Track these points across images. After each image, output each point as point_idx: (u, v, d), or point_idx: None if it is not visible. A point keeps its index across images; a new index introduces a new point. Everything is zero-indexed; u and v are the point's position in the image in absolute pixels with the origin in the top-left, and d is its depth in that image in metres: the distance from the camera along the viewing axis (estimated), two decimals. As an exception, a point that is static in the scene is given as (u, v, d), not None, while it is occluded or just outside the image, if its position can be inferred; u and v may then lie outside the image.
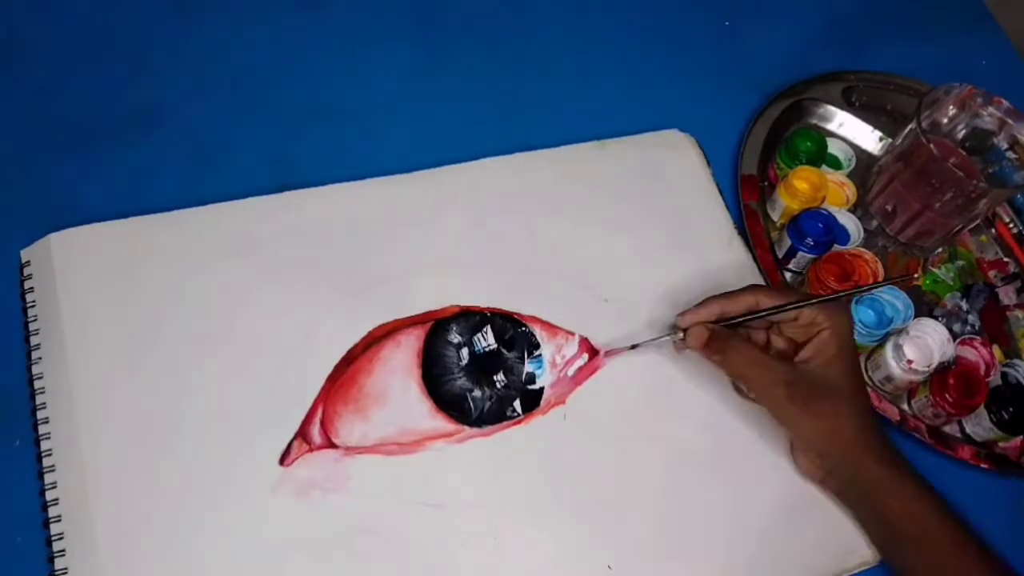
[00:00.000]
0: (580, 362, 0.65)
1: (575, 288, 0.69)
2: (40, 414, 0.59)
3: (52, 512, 0.56)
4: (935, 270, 0.76)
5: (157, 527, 0.56)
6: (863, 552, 0.62)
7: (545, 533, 0.59)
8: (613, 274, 0.70)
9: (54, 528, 0.55)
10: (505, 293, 0.67)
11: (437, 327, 0.65)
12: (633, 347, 0.65)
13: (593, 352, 0.66)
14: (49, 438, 0.58)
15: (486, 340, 0.65)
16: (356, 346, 0.63)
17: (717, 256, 0.73)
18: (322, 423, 0.60)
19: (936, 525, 0.58)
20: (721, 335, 0.61)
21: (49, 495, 0.56)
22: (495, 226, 0.71)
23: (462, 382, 0.63)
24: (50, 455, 0.57)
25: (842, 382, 0.60)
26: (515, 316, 0.66)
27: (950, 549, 0.58)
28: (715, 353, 0.61)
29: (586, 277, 0.69)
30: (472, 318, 0.66)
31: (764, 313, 0.61)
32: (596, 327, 0.67)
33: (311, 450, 0.59)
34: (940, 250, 0.77)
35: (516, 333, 0.66)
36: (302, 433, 0.60)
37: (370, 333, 0.64)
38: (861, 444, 0.59)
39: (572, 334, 0.66)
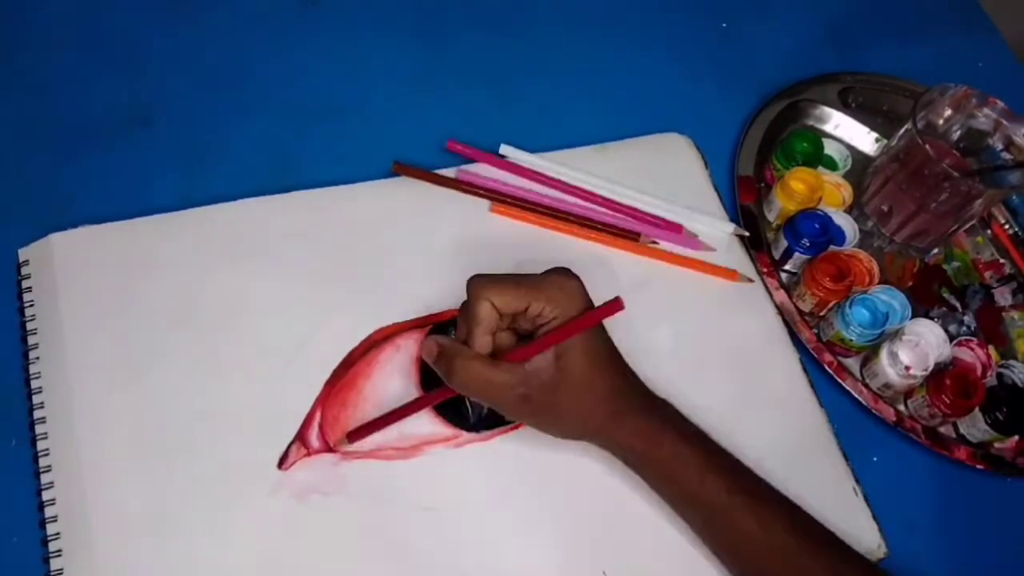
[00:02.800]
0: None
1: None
2: (37, 414, 0.59)
3: (48, 513, 0.56)
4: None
5: (154, 529, 0.56)
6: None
7: (542, 538, 0.59)
8: (613, 277, 0.70)
9: (50, 529, 0.55)
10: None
11: (436, 331, 0.65)
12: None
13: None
14: (46, 438, 0.58)
15: (485, 344, 0.65)
16: (355, 350, 0.63)
17: (716, 258, 0.73)
18: (320, 427, 0.60)
19: (697, 472, 0.56)
20: (448, 351, 0.56)
21: (45, 495, 0.56)
22: (495, 229, 0.71)
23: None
24: (47, 455, 0.57)
25: (576, 372, 0.55)
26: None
27: (714, 493, 0.56)
28: (443, 373, 0.56)
29: (586, 279, 0.69)
30: (470, 321, 0.65)
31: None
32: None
33: (309, 454, 0.59)
34: (936, 251, 0.77)
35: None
36: (300, 437, 0.60)
37: (369, 337, 0.64)
38: (612, 423, 0.57)
39: (572, 337, 0.66)
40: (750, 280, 0.72)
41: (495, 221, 0.71)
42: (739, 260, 0.73)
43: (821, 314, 0.72)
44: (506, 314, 0.56)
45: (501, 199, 0.72)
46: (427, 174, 0.72)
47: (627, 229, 0.72)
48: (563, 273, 0.57)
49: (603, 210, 0.73)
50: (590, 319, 0.55)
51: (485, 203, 0.72)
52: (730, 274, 0.72)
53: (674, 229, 0.73)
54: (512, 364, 0.55)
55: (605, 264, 0.71)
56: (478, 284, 0.56)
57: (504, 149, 0.74)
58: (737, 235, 0.74)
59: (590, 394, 0.56)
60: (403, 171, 0.71)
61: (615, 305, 0.55)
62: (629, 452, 0.58)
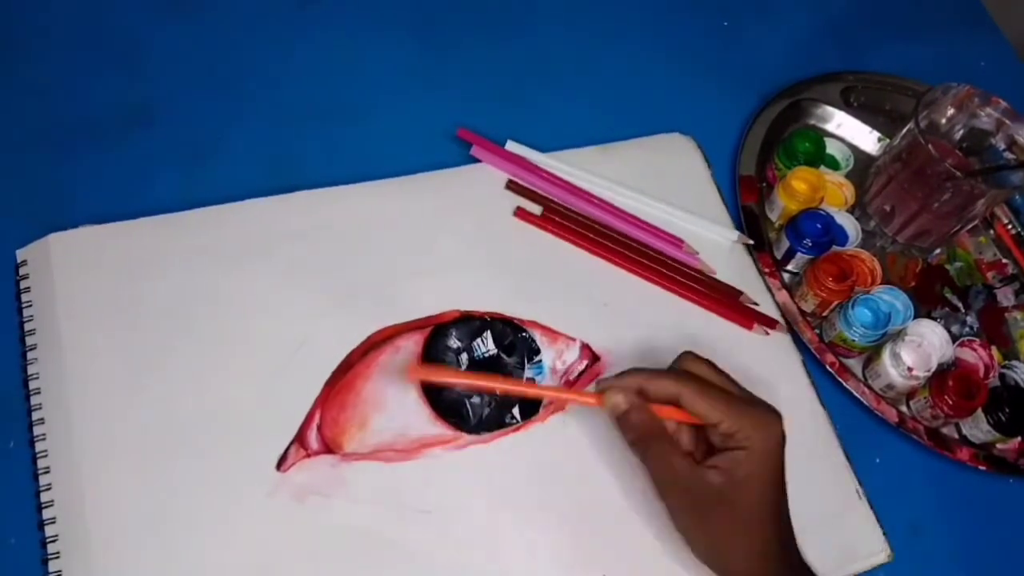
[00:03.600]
0: (581, 368, 0.65)
1: (576, 293, 0.68)
2: (35, 415, 0.58)
3: (47, 514, 0.55)
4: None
5: (152, 530, 0.55)
6: (863, 560, 0.62)
7: (542, 540, 0.59)
8: (614, 279, 0.70)
9: (49, 530, 0.55)
10: (505, 297, 0.67)
11: (437, 332, 0.64)
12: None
13: (594, 358, 0.65)
14: (44, 439, 0.57)
15: (485, 345, 0.65)
16: (355, 351, 0.63)
17: (719, 259, 0.72)
18: (320, 428, 0.60)
19: None
20: (643, 419, 0.55)
21: (44, 497, 0.56)
22: (496, 229, 0.70)
23: (460, 388, 0.63)
24: (45, 457, 0.57)
25: (746, 509, 0.53)
26: (515, 321, 0.66)
27: None
28: (631, 433, 0.55)
29: (587, 281, 0.69)
30: (472, 323, 0.65)
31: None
32: (597, 333, 0.67)
33: (308, 455, 0.59)
34: (939, 251, 0.77)
35: (516, 338, 0.65)
36: (300, 438, 0.59)
37: (369, 338, 0.63)
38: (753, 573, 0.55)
39: (573, 340, 0.66)
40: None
41: (496, 221, 0.71)
42: (741, 264, 0.73)
43: (823, 315, 0.71)
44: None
45: (549, 203, 0.72)
46: (496, 147, 0.73)
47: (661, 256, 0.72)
48: (772, 413, 0.55)
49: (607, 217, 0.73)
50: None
51: (486, 203, 0.71)
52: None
53: (674, 243, 0.73)
54: (691, 461, 0.54)
55: (605, 266, 0.70)
56: (684, 378, 0.55)
57: (510, 145, 0.74)
58: (742, 243, 0.73)
59: (746, 534, 0.54)
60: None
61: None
62: None
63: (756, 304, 0.71)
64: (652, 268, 0.71)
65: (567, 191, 0.73)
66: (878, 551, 0.62)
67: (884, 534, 0.63)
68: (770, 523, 0.54)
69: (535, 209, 0.72)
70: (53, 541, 0.55)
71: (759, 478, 0.54)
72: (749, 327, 0.70)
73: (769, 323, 0.70)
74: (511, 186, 0.72)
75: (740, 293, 0.71)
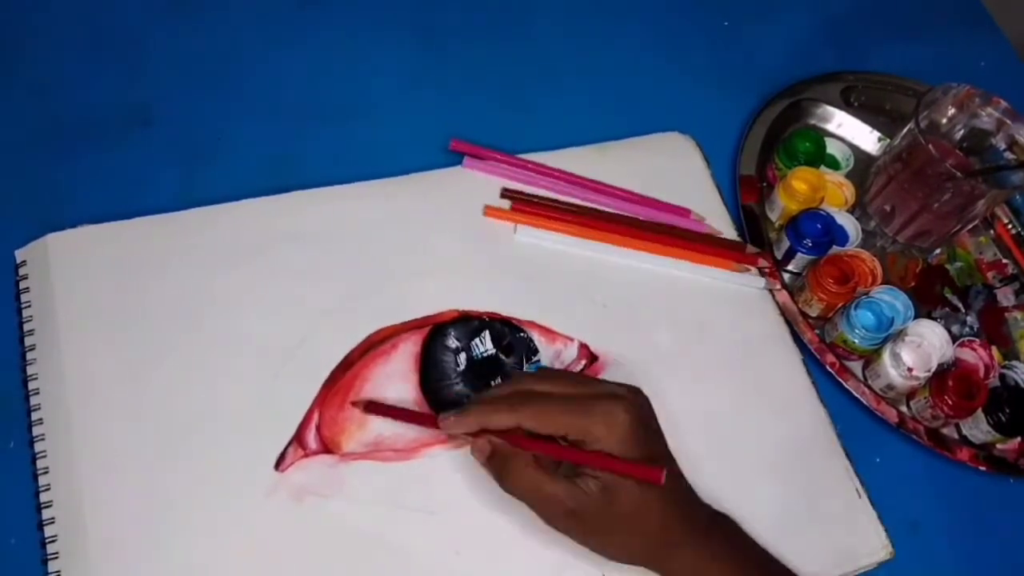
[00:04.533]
0: (579, 368, 0.65)
1: (574, 293, 0.68)
2: (35, 415, 0.58)
3: (46, 514, 0.55)
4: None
5: (151, 530, 0.55)
6: (861, 560, 0.62)
7: (541, 541, 0.58)
8: (612, 279, 0.70)
9: (48, 530, 0.55)
10: (504, 297, 0.67)
11: (435, 332, 0.64)
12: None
13: (592, 358, 0.65)
14: (44, 440, 0.57)
15: (484, 345, 0.65)
16: (354, 351, 0.63)
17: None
18: (318, 428, 0.60)
19: None
20: (502, 453, 0.54)
21: (43, 497, 0.56)
22: (496, 229, 0.70)
23: (459, 388, 0.63)
24: (45, 457, 0.57)
25: (625, 508, 0.52)
26: (513, 321, 0.66)
27: None
28: (495, 474, 0.54)
29: (586, 281, 0.69)
30: (470, 323, 0.65)
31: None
32: (595, 332, 0.66)
33: (307, 455, 0.59)
34: (939, 251, 0.77)
35: (514, 338, 0.65)
36: (298, 438, 0.59)
37: (368, 338, 0.63)
38: (662, 555, 0.55)
39: (571, 339, 0.66)
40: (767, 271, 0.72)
41: (496, 220, 0.71)
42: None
43: (829, 317, 0.71)
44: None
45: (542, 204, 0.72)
46: (489, 152, 0.73)
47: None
48: (615, 402, 0.53)
49: (609, 201, 0.73)
50: (623, 469, 0.52)
51: (485, 202, 0.71)
52: (740, 250, 0.73)
53: (681, 213, 0.73)
54: (567, 479, 0.53)
55: (604, 266, 0.70)
56: (518, 403, 0.54)
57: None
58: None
59: (639, 529, 0.54)
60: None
61: (653, 474, 0.51)
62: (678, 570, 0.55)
63: (759, 252, 0.73)
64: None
65: (565, 182, 0.73)
66: (879, 549, 0.62)
67: (886, 532, 0.63)
68: (661, 508, 0.53)
69: (505, 204, 0.72)
70: (52, 541, 0.55)
71: (631, 459, 0.52)
72: (754, 262, 0.72)
73: (770, 266, 0.72)
74: (506, 194, 0.72)
75: (744, 245, 0.73)
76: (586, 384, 0.56)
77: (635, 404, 0.54)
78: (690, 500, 0.56)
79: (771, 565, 0.58)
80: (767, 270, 0.72)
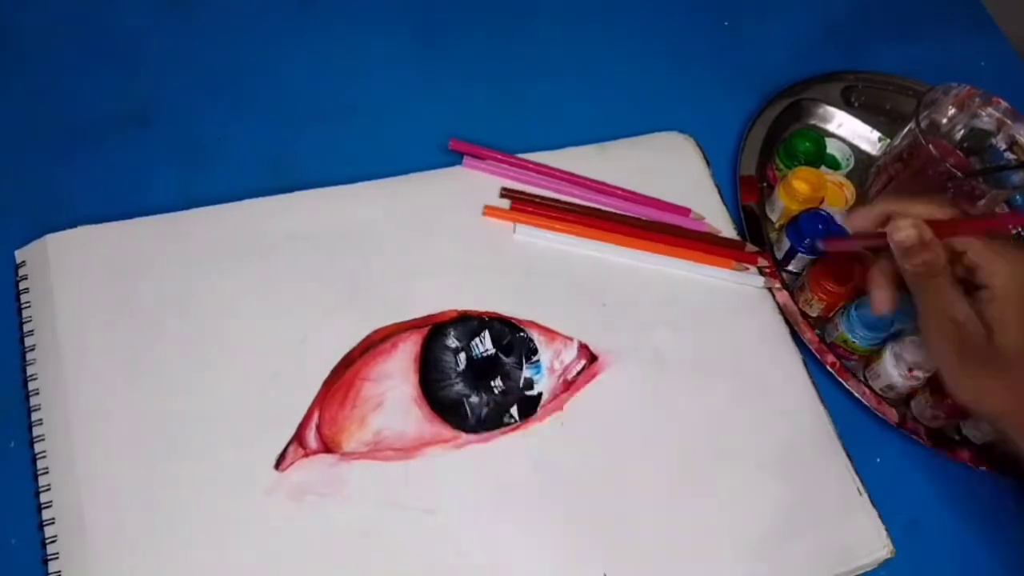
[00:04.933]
0: (578, 368, 0.65)
1: (574, 292, 0.68)
2: (35, 416, 0.58)
3: (46, 515, 0.55)
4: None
5: (151, 530, 0.55)
6: (862, 558, 0.62)
7: (541, 541, 0.59)
8: (612, 278, 0.70)
9: (48, 531, 0.55)
10: (504, 297, 0.67)
11: (435, 331, 0.64)
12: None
13: (592, 358, 0.65)
14: (44, 440, 0.57)
15: (484, 345, 0.65)
16: (354, 350, 0.63)
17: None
18: (318, 427, 0.60)
19: None
20: (931, 253, 0.52)
21: (43, 497, 0.56)
22: (495, 228, 0.70)
23: (459, 387, 0.63)
24: (45, 457, 0.57)
25: (1009, 352, 0.51)
26: (513, 321, 0.66)
27: None
28: (918, 266, 0.53)
29: (586, 281, 0.69)
30: (470, 323, 0.65)
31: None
32: (595, 332, 0.66)
33: (307, 455, 0.59)
34: (939, 251, 0.76)
35: (514, 338, 0.65)
36: (298, 437, 0.59)
37: (368, 337, 0.63)
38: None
39: (571, 339, 0.66)
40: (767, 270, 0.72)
41: (496, 220, 0.71)
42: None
43: (830, 316, 0.71)
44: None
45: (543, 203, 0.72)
46: (488, 152, 0.73)
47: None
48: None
49: (609, 200, 0.73)
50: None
51: (485, 201, 0.71)
52: (740, 248, 0.73)
53: (681, 212, 0.73)
54: (971, 312, 0.53)
55: (604, 266, 0.70)
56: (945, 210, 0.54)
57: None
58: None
59: (1014, 381, 0.53)
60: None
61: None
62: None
63: (759, 251, 0.73)
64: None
65: (565, 181, 0.73)
66: (879, 548, 0.62)
67: (887, 531, 0.63)
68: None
69: (504, 204, 0.72)
70: (52, 541, 0.55)
71: (1015, 321, 0.52)
72: (754, 261, 0.72)
73: (770, 266, 0.72)
74: (505, 194, 0.72)
75: (744, 243, 0.73)
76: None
77: None
78: None
79: None
80: (767, 270, 0.72)
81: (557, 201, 0.72)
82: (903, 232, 0.54)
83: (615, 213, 0.73)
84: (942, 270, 0.53)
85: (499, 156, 0.73)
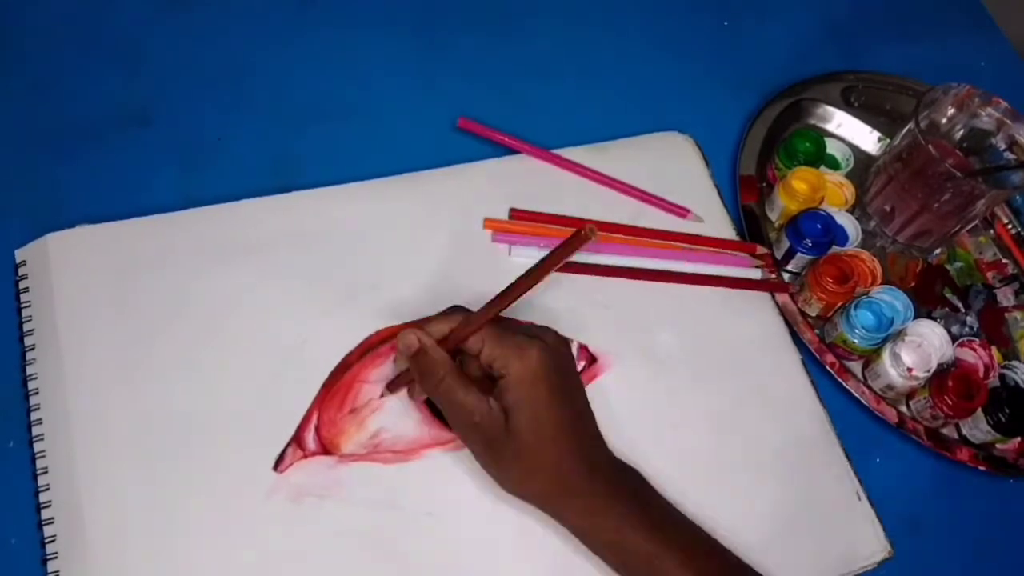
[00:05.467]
0: (578, 368, 0.65)
1: (575, 294, 0.68)
2: (34, 415, 0.58)
3: (46, 514, 0.55)
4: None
5: (150, 530, 0.56)
6: (861, 560, 0.62)
7: (540, 542, 0.59)
8: (613, 279, 0.70)
9: (47, 530, 0.55)
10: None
11: (434, 332, 0.64)
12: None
13: (591, 359, 0.65)
14: (43, 439, 0.57)
15: (483, 347, 0.64)
16: (353, 352, 0.63)
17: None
18: (317, 429, 0.60)
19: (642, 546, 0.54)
20: (429, 355, 0.55)
21: (43, 497, 0.56)
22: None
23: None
24: (44, 457, 0.57)
25: (523, 435, 0.53)
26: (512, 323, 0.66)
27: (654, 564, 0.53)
28: (417, 372, 0.56)
29: (587, 283, 0.69)
30: (470, 324, 0.65)
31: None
32: (595, 334, 0.66)
33: (306, 456, 0.59)
34: (939, 251, 0.77)
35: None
36: (297, 439, 0.59)
37: (367, 339, 0.63)
38: (556, 498, 0.56)
39: (571, 340, 0.66)
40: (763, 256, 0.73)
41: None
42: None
43: (828, 316, 0.71)
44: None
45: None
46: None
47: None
48: (532, 342, 0.55)
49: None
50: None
51: (485, 201, 0.71)
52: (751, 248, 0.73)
53: (679, 213, 0.73)
54: (478, 393, 0.55)
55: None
56: (454, 317, 0.57)
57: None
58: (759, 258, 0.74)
59: (536, 463, 0.55)
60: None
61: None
62: (570, 529, 0.57)
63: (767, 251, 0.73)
64: (652, 233, 0.72)
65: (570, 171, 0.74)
66: (879, 549, 0.62)
67: (885, 532, 0.63)
68: (557, 448, 0.54)
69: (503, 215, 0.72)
70: (52, 541, 0.55)
71: (527, 403, 0.54)
72: (752, 250, 0.73)
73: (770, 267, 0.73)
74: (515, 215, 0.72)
75: (744, 243, 0.74)
76: (519, 325, 0.59)
77: (554, 349, 0.56)
78: (595, 447, 0.57)
79: (677, 528, 0.56)
80: (767, 270, 0.72)
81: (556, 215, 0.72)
82: (405, 339, 0.56)
83: (616, 224, 0.72)
84: (448, 372, 0.55)
85: (505, 139, 0.74)
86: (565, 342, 0.58)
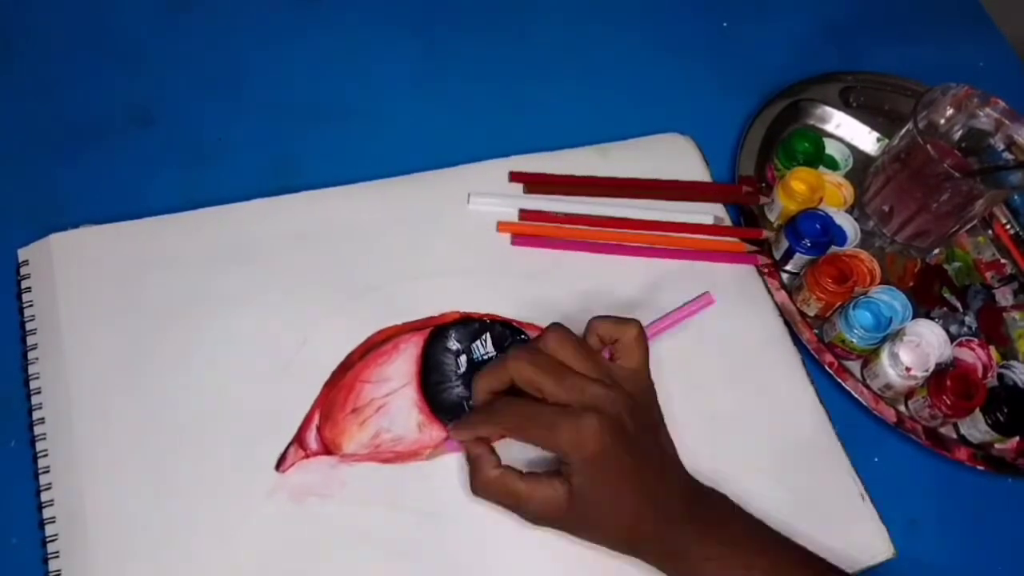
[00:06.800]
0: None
1: (576, 295, 0.68)
2: (36, 415, 0.59)
3: (46, 514, 0.55)
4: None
5: (151, 530, 0.56)
6: (861, 560, 0.62)
7: (542, 543, 0.58)
8: (612, 280, 0.70)
9: (48, 530, 0.55)
10: (505, 299, 0.67)
11: (436, 334, 0.64)
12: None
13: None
14: (45, 439, 0.58)
15: (485, 347, 0.65)
16: (354, 352, 0.63)
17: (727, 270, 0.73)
18: (319, 429, 0.60)
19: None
20: (472, 456, 0.57)
21: (44, 496, 0.56)
22: (496, 229, 0.70)
23: (460, 390, 0.63)
24: (46, 456, 0.57)
25: (591, 500, 0.53)
26: (514, 323, 0.66)
27: None
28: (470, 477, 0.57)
29: (588, 284, 0.69)
30: (471, 325, 0.65)
31: None
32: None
33: (307, 456, 0.59)
34: (937, 251, 0.77)
35: (515, 341, 0.65)
36: (299, 439, 0.59)
37: (369, 339, 0.64)
38: (640, 545, 0.56)
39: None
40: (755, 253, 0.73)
41: (496, 221, 0.71)
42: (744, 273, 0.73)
43: (827, 316, 0.71)
44: None
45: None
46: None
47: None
48: (583, 418, 0.52)
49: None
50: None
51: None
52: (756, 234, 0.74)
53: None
54: (536, 477, 0.55)
55: (605, 267, 0.71)
56: (499, 415, 0.56)
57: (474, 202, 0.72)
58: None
59: (608, 530, 0.55)
60: (519, 179, 0.73)
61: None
62: (661, 570, 0.57)
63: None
64: (650, 226, 0.73)
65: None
66: (880, 549, 0.63)
67: (887, 532, 0.63)
68: (632, 513, 0.54)
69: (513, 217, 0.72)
70: (52, 541, 0.55)
71: (590, 485, 0.53)
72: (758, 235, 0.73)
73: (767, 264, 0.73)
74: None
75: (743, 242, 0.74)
76: (572, 386, 0.54)
77: (609, 414, 0.53)
78: (671, 494, 0.56)
79: (763, 553, 0.56)
80: (764, 264, 0.72)
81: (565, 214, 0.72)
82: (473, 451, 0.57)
83: (621, 218, 0.73)
84: (477, 458, 0.57)
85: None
86: (620, 391, 0.55)
